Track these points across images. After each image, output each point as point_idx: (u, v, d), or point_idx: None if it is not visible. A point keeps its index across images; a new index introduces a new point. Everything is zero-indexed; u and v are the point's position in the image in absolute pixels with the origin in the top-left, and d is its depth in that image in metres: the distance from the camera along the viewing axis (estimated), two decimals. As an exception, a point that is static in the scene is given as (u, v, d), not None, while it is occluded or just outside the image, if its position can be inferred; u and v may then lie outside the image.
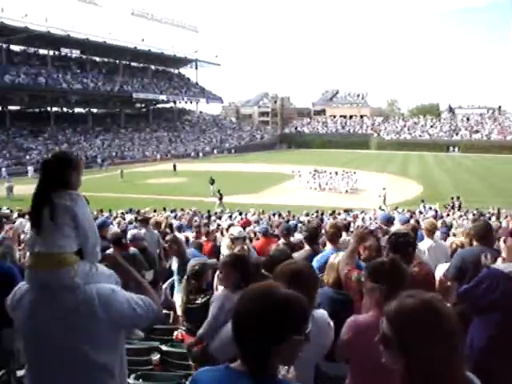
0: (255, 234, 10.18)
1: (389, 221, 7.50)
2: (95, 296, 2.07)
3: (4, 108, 63.46)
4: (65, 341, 2.05)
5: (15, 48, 67.91)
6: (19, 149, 55.70)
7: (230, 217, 19.64)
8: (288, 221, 15.71)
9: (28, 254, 2.24)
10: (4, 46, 63.41)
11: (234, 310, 1.62)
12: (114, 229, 8.88)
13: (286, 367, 1.83)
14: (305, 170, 39.29)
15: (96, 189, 29.34)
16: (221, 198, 28.71)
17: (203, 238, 9.12)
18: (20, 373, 3.78)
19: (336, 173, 37.74)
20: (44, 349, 2.11)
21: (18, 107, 67.87)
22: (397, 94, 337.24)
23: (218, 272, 4.28)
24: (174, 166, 46.79)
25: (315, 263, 4.69)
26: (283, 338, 1.53)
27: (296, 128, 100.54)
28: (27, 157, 52.91)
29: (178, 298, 6.03)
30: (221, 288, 3.84)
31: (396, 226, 7.12)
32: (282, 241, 6.97)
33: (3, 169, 44.87)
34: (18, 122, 62.87)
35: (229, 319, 2.05)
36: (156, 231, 8.70)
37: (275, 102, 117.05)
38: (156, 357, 4.33)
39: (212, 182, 32.53)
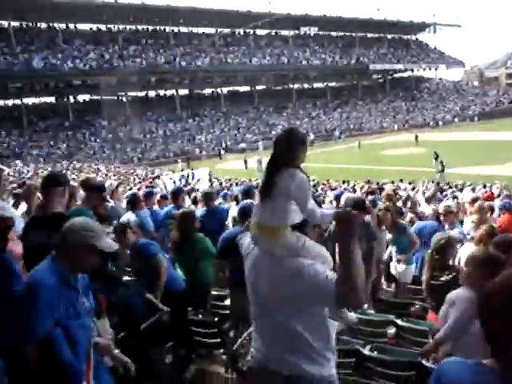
0: (492, 209, 8.71)
1: None
2: (294, 269, 2.16)
3: (252, 88, 69.56)
4: (273, 299, 2.25)
5: (260, 32, 73.43)
6: (266, 124, 60.96)
7: (473, 189, 18.48)
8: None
9: (252, 220, 2.40)
10: (251, 31, 69.38)
11: (484, 306, 1.44)
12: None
13: None
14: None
15: (334, 160, 30.58)
16: (442, 171, 27.38)
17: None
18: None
19: None
20: (257, 296, 2.38)
21: (263, 86, 73.02)
22: None
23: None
24: (416, 137, 45.59)
25: None
26: None
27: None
28: (273, 132, 57.50)
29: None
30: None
31: None
32: None
33: (260, 142, 49.24)
34: (264, 99, 68.61)
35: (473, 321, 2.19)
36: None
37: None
38: (391, 330, 4.24)
39: (436, 156, 29.98)
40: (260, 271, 2.31)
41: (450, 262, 4.44)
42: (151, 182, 19.01)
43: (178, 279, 5.13)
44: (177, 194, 7.68)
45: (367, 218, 5.48)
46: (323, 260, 2.29)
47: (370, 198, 8.85)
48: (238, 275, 2.69)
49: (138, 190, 13.17)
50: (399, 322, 4.28)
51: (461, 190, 18.17)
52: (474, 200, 9.93)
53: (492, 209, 8.56)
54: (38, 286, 2.56)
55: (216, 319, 4.77)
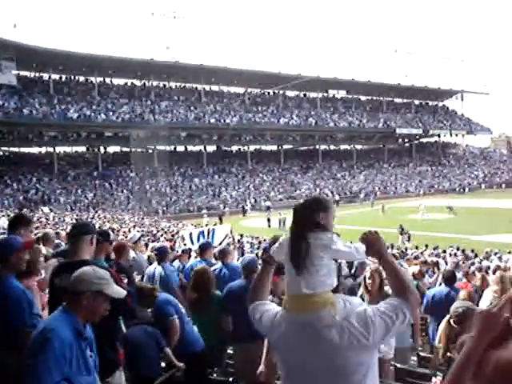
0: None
1: None
2: (356, 327, 2.10)
3: (279, 147, 70.37)
4: (323, 375, 2.15)
5: (289, 93, 74.92)
6: (291, 183, 61.31)
7: (500, 258, 18.11)
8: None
9: (287, 297, 2.30)
10: (281, 92, 70.97)
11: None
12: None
13: None
14: None
15: (358, 223, 30.44)
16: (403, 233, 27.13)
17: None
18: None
19: None
20: (299, 372, 2.23)
21: (290, 146, 73.83)
22: None
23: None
24: (450, 208, 42.41)
25: None
26: None
27: None
28: (297, 191, 57.79)
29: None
30: None
31: None
32: None
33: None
34: (290, 159, 69.32)
35: None
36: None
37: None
38: None
39: (401, 230, 28.93)
40: (313, 347, 2.15)
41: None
42: (173, 236, 19.06)
43: (199, 340, 5.05)
44: (205, 248, 7.72)
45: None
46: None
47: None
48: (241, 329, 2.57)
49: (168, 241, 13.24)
50: None
51: (487, 259, 17.80)
52: (495, 269, 9.92)
53: None
54: (51, 333, 2.55)
55: (231, 379, 4.63)
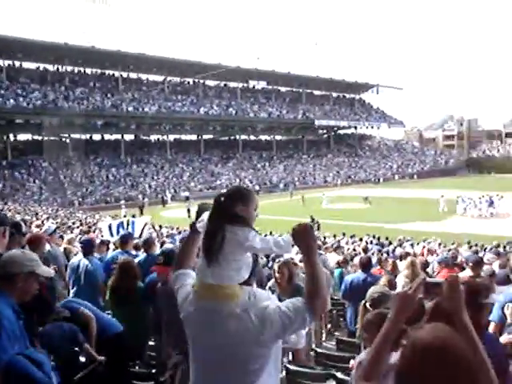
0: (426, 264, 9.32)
1: None
2: (253, 321, 2.13)
3: (199, 136, 69.76)
4: (223, 358, 2.20)
5: (210, 83, 74.49)
6: (211, 174, 60.93)
7: (412, 245, 18.97)
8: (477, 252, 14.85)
9: (198, 282, 2.32)
10: (201, 81, 70.28)
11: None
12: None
13: None
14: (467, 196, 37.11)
15: (278, 212, 30.70)
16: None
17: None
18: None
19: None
20: (202, 353, 2.30)
21: (210, 136, 73.53)
22: None
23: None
24: (366, 198, 43.45)
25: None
26: None
27: (484, 152, 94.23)
28: (217, 181, 57.51)
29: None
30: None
31: None
32: (468, 273, 6.52)
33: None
34: (210, 149, 68.92)
35: None
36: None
37: (461, 124, 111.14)
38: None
39: (312, 220, 29.24)
40: (213, 334, 2.22)
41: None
42: (90, 228, 18.32)
43: (113, 324, 4.81)
44: (126, 240, 7.64)
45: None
46: (275, 300, 2.29)
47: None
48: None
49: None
50: (339, 375, 4.23)
51: (400, 246, 18.45)
52: (404, 256, 10.84)
53: (426, 264, 9.06)
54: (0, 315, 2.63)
55: (154, 371, 4.57)
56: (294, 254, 8.81)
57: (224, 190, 2.55)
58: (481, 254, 13.00)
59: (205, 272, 2.24)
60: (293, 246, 2.37)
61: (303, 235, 2.21)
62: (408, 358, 1.50)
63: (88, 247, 6.83)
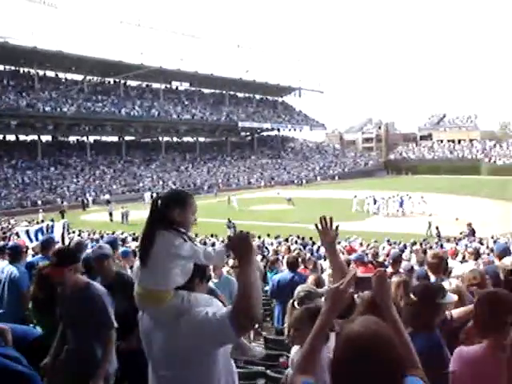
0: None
1: (505, 252, 6.69)
2: (181, 328, 2.14)
3: (121, 138, 68.03)
4: (163, 358, 2.25)
5: (131, 83, 73.02)
6: (133, 176, 59.56)
7: (339, 243, 19.33)
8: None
9: (135, 285, 2.34)
10: (122, 81, 68.63)
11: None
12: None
13: None
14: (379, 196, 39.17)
15: (204, 214, 30.41)
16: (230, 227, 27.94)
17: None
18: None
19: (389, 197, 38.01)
20: (150, 353, 2.35)
21: (132, 137, 71.99)
22: (510, 115, 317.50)
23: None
24: (289, 199, 43.65)
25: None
26: None
27: (401, 154, 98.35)
28: (140, 184, 56.35)
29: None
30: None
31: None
32: (389, 269, 6.71)
33: (146, 194, 47.69)
34: (132, 150, 67.40)
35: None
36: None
37: (379, 127, 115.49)
38: (261, 382, 4.32)
39: (229, 222, 29.27)
40: (152, 337, 2.29)
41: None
42: (5, 233, 17.41)
43: (29, 330, 4.55)
44: (48, 244, 7.18)
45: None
46: (214, 306, 2.26)
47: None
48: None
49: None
50: (269, 372, 4.30)
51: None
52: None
53: (348, 262, 8.98)
54: None
55: None
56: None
57: (162, 192, 2.65)
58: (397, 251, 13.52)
59: (140, 275, 2.28)
60: (228, 256, 2.40)
61: (239, 245, 2.19)
62: (342, 349, 1.60)
63: (16, 253, 6.43)
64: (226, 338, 2.15)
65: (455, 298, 3.37)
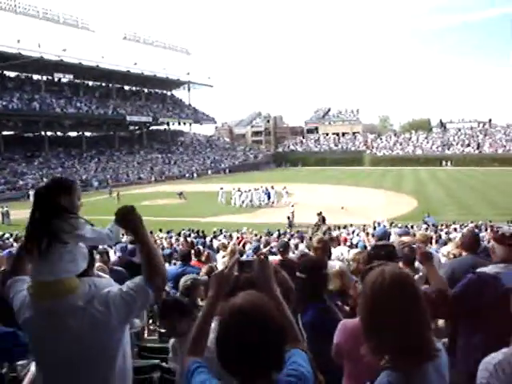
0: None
1: (384, 235, 7.40)
2: (98, 309, 2.13)
3: (-2, 133, 63.58)
4: (72, 358, 2.15)
5: (9, 74, 68.64)
6: (14, 174, 55.77)
7: (231, 236, 19.56)
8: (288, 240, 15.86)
9: (33, 283, 2.24)
10: (-2, 71, 64.03)
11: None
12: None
13: None
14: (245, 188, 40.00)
15: (94, 212, 29.27)
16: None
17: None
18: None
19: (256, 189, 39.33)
20: (49, 359, 2.21)
21: (11, 132, 67.99)
22: (388, 110, 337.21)
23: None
24: (181, 193, 43.28)
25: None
26: None
27: (289, 146, 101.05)
28: (22, 182, 52.97)
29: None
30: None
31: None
32: (278, 257, 6.83)
33: (31, 192, 43.78)
34: (12, 146, 63.10)
35: None
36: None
37: (268, 121, 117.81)
38: (157, 375, 4.26)
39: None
40: (57, 335, 2.14)
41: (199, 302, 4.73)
42: None
43: None
44: None
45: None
46: (115, 285, 2.28)
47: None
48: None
49: None
50: (164, 365, 4.31)
51: (215, 238, 19.63)
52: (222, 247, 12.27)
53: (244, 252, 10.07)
54: None
55: None
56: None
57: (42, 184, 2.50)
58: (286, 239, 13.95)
59: (39, 270, 2.18)
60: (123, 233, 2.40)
61: (127, 217, 2.30)
62: (226, 322, 1.71)
63: None
64: (146, 300, 2.24)
65: (336, 265, 3.91)
